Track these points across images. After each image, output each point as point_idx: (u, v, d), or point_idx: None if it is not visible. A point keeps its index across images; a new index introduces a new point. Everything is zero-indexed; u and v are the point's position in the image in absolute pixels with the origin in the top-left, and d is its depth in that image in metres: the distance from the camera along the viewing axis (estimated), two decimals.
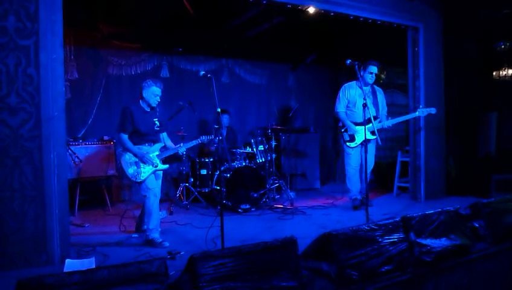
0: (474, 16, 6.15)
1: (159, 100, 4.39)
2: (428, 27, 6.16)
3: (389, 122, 5.56)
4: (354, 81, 5.75)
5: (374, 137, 5.33)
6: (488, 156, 6.47)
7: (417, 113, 5.62)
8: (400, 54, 6.35)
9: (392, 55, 6.83)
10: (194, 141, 4.75)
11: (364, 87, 5.61)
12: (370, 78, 5.60)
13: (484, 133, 6.50)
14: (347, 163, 5.81)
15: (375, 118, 5.56)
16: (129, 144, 4.26)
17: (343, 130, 5.75)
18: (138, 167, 4.26)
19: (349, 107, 5.74)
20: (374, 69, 5.58)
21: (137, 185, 4.44)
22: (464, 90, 6.23)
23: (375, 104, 5.65)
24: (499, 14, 5.95)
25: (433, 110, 5.56)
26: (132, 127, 4.25)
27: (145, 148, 4.34)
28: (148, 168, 4.28)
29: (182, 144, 4.63)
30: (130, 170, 4.24)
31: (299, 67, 8.22)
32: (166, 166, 4.47)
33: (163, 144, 4.52)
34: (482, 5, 6.03)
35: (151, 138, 4.41)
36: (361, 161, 5.67)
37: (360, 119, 5.47)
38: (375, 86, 5.79)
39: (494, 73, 6.33)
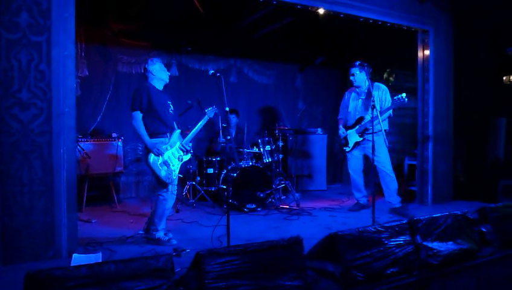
0: (485, 20, 6.12)
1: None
2: (439, 30, 6.14)
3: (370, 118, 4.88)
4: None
5: (361, 139, 5.35)
6: (496, 161, 6.41)
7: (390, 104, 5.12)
8: (409, 56, 6.33)
9: (401, 57, 6.80)
10: (201, 121, 4.43)
11: (358, 89, 5.50)
12: (352, 80, 5.49)
13: (493, 138, 6.45)
14: (348, 167, 5.82)
15: (362, 118, 5.38)
16: (142, 128, 3.92)
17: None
18: (168, 166, 4.01)
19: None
20: (351, 70, 5.44)
21: (155, 184, 4.10)
22: (473, 95, 6.19)
23: (367, 104, 5.31)
24: (510, 19, 5.90)
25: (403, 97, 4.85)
26: (148, 105, 3.94)
27: (166, 140, 4.06)
28: (176, 163, 4.05)
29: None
30: (163, 172, 3.97)
31: (307, 68, 8.22)
32: (189, 155, 4.25)
33: (179, 130, 4.22)
34: (493, 9, 5.99)
35: (170, 124, 4.13)
36: (363, 166, 5.68)
37: (351, 122, 5.56)
38: (376, 84, 5.49)
39: (504, 78, 6.28)
